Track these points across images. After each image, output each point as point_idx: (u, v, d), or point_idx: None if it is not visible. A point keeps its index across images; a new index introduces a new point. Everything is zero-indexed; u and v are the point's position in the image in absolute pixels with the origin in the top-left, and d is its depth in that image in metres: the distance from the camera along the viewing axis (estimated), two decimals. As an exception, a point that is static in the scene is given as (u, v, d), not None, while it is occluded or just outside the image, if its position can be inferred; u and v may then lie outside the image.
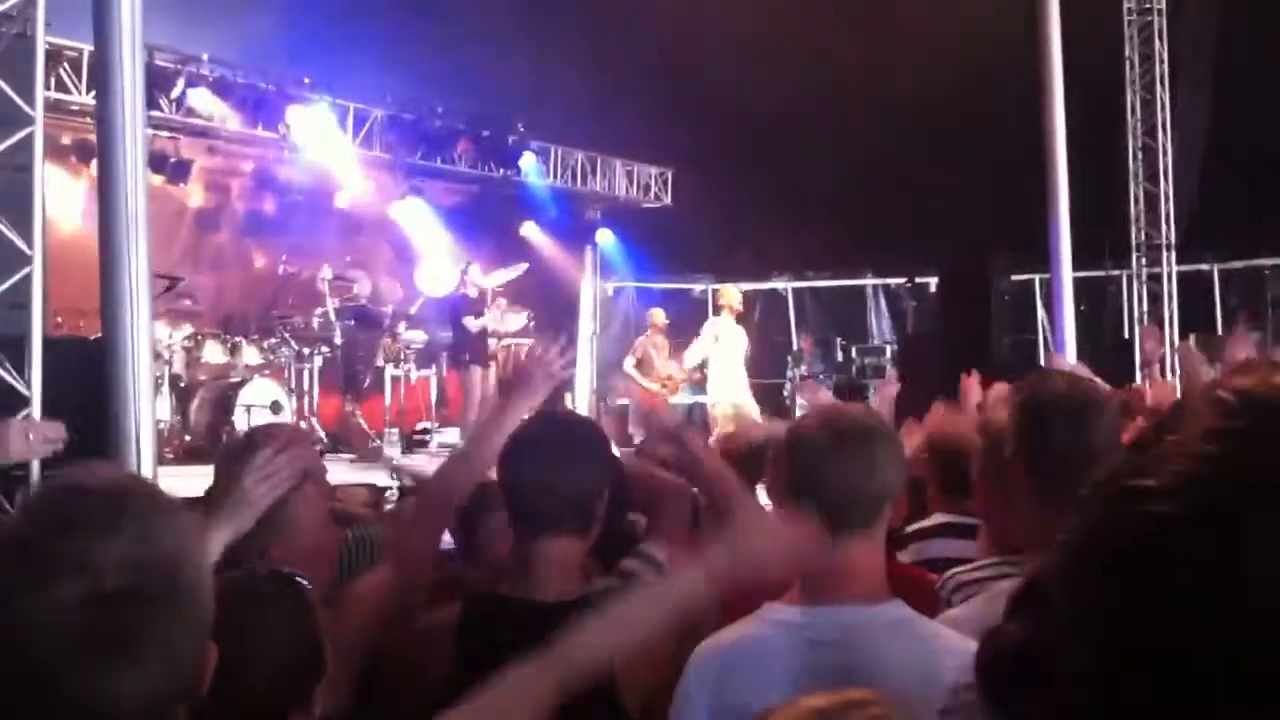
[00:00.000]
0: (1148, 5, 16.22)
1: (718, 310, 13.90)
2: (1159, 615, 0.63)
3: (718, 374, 13.05)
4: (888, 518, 2.37)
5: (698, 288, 18.70)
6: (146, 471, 5.08)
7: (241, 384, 11.75)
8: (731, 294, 13.49)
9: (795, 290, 18.86)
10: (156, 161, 12.45)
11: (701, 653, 2.36)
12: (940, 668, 2.14)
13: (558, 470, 2.61)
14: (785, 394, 15.89)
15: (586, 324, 17.89)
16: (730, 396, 12.84)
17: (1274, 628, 0.60)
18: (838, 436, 2.33)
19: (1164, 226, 16.32)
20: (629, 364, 14.11)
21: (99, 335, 5.50)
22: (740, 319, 13.51)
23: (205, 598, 1.43)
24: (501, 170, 16.07)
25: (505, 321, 14.51)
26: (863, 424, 2.38)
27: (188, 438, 11.61)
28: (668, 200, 18.17)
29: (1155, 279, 16.44)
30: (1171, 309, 16.25)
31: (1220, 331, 16.11)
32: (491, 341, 13.95)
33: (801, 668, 2.21)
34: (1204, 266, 16.55)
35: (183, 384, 11.88)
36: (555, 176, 16.88)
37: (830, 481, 2.29)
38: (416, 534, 2.98)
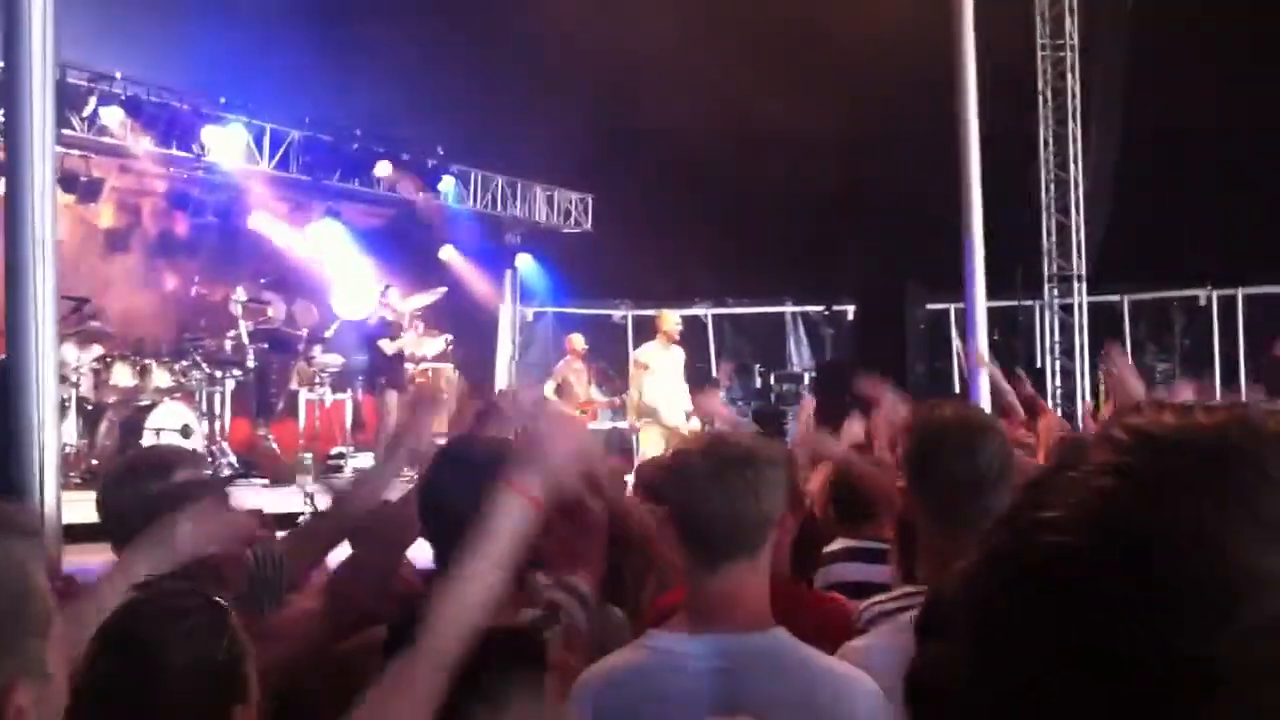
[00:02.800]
0: (1060, 41, 16.60)
1: (651, 336, 13.70)
2: (1059, 643, 0.67)
3: (655, 399, 12.79)
4: (772, 544, 2.36)
5: (617, 313, 18.71)
6: (50, 496, 4.96)
7: (151, 407, 11.51)
8: (667, 319, 13.35)
9: (715, 317, 18.94)
10: (67, 181, 12.23)
11: (585, 679, 2.34)
12: (817, 696, 2.19)
13: (481, 500, 2.57)
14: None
15: (505, 348, 17.82)
16: (668, 420, 12.63)
17: (1160, 653, 0.64)
18: (719, 462, 2.31)
19: (1075, 258, 16.67)
20: (548, 389, 14.03)
21: (2, 357, 5.37)
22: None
23: (12, 630, 1.36)
24: (421, 193, 15.98)
25: (423, 345, 14.40)
26: (744, 449, 2.37)
27: (94, 462, 11.36)
28: (588, 226, 18.17)
29: (1066, 309, 16.78)
30: (1082, 339, 16.58)
31: (1129, 361, 16.44)
32: (409, 366, 13.84)
33: (683, 695, 2.22)
34: (1114, 297, 16.90)
35: (90, 406, 11.62)
36: (475, 201, 16.82)
37: (711, 508, 2.28)
38: (357, 561, 2.92)
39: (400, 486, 3.25)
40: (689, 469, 2.35)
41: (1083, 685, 0.66)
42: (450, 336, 14.87)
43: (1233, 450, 0.69)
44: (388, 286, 13.85)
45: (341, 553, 3.16)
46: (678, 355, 13.23)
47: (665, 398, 12.73)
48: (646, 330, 18.21)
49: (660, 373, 12.89)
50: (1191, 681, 0.64)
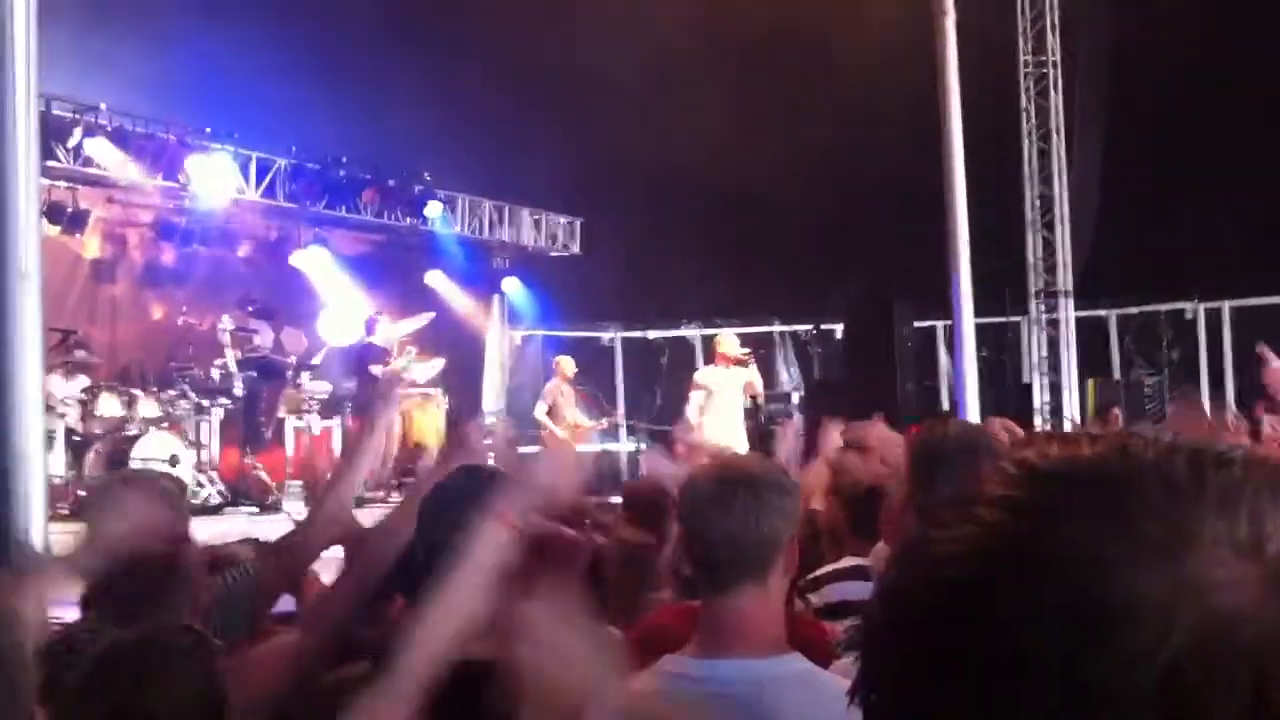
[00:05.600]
0: (1043, 58, 16.66)
1: (710, 359, 12.80)
2: (952, 673, 0.68)
3: (708, 424, 11.88)
4: (781, 566, 2.34)
5: (606, 335, 18.72)
6: (37, 528, 4.93)
7: (138, 437, 11.48)
8: (722, 341, 12.51)
9: (704, 338, 18.93)
10: (53, 212, 12.21)
11: None
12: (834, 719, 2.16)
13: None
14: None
15: (494, 373, 17.79)
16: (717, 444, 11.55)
17: (1046, 679, 0.65)
18: (722, 485, 2.32)
19: (1061, 273, 16.70)
20: (540, 410, 14.02)
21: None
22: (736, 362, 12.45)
23: (10, 666, 1.35)
24: (408, 219, 15.98)
25: (416, 370, 14.36)
26: (748, 471, 2.37)
27: (82, 493, 11.30)
28: (576, 249, 18.18)
29: (1054, 324, 16.80)
30: (1069, 354, 16.60)
31: (1117, 375, 16.51)
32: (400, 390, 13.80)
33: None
34: (1101, 312, 16.93)
35: (77, 438, 11.57)
36: (462, 225, 16.83)
37: (716, 530, 2.28)
38: (339, 594, 2.91)
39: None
40: (693, 492, 2.36)
41: (975, 712, 0.67)
42: (443, 360, 14.84)
43: (1114, 479, 0.70)
44: (377, 312, 13.79)
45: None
46: (738, 377, 12.20)
47: (716, 425, 11.52)
48: (635, 352, 18.28)
49: (717, 398, 11.96)
50: (1075, 706, 0.65)
